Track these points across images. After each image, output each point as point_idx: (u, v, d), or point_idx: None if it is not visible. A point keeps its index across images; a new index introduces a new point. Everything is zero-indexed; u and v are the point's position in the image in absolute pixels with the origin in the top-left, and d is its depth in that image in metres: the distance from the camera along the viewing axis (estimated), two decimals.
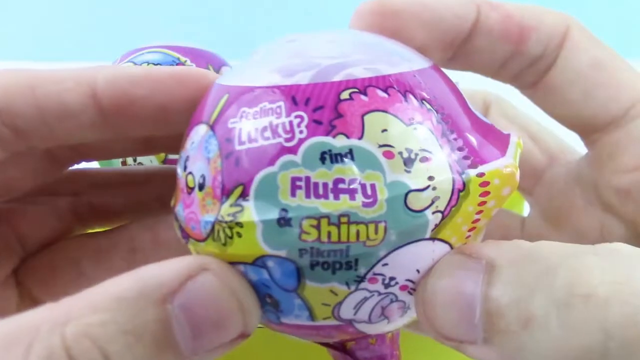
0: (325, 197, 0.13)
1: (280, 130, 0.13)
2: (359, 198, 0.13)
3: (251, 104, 0.14)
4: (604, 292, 0.12)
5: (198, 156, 0.14)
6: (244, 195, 0.13)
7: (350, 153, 0.13)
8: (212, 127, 0.14)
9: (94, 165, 0.26)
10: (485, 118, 0.16)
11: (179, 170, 0.15)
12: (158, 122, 0.17)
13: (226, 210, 0.13)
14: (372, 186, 0.13)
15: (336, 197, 0.13)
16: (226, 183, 0.14)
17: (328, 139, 0.13)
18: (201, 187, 0.14)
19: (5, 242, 0.20)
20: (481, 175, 0.14)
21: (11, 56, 0.64)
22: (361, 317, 0.14)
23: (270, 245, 0.13)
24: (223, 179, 0.14)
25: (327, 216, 0.13)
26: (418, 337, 0.20)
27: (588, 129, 0.18)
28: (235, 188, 0.13)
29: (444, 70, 0.16)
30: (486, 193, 0.14)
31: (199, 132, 0.15)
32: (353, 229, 0.13)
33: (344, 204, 0.13)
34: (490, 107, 0.22)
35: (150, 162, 0.30)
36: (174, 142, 0.17)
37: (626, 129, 0.17)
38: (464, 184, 0.13)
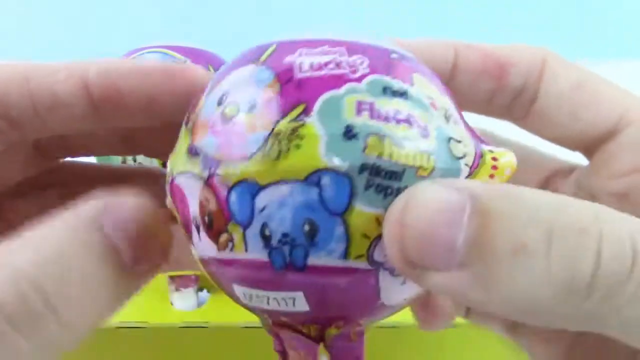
0: (388, 121, 0.14)
1: (344, 64, 0.14)
2: (416, 129, 0.14)
3: (310, 46, 0.15)
4: (599, 228, 0.12)
5: (245, 87, 0.15)
6: (306, 112, 0.14)
7: (406, 93, 0.14)
8: (263, 64, 0.15)
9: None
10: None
11: (206, 113, 0.15)
12: (147, 114, 0.18)
13: (285, 124, 0.14)
14: (425, 125, 0.14)
15: (397, 123, 0.14)
16: (285, 103, 0.14)
17: (388, 78, 0.14)
18: (251, 110, 0.14)
19: None
20: (491, 151, 0.15)
21: (9, 56, 0.64)
22: (388, 264, 0.14)
23: (333, 157, 0.13)
24: (281, 100, 0.14)
25: (390, 136, 0.14)
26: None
27: (582, 145, 0.19)
28: (296, 106, 0.14)
29: None
30: (495, 167, 0.15)
31: (243, 71, 0.15)
32: (411, 152, 0.14)
33: (404, 129, 0.14)
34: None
35: (150, 162, 0.30)
36: (160, 143, 0.18)
37: (618, 139, 0.18)
38: (481, 153, 0.15)
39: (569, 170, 0.21)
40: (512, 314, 0.13)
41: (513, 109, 0.19)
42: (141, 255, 0.15)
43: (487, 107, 0.19)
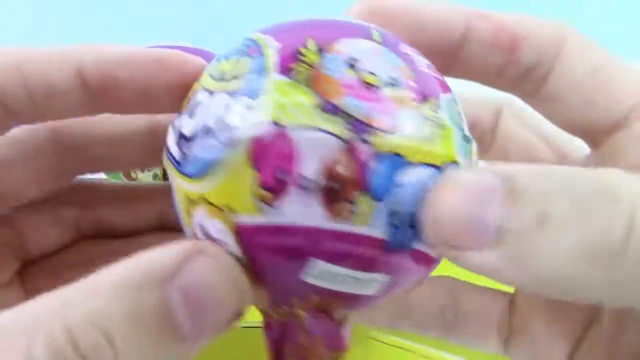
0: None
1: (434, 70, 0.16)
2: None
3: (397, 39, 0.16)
4: (631, 198, 0.12)
5: (379, 62, 0.15)
6: (437, 106, 0.15)
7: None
8: (385, 45, 0.15)
9: (100, 176, 0.26)
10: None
11: (331, 71, 0.14)
12: (142, 103, 0.18)
13: (428, 111, 0.14)
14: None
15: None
16: (420, 91, 0.15)
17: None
18: (395, 86, 0.14)
19: (8, 245, 0.20)
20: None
21: None
22: None
23: (461, 154, 0.15)
24: (417, 87, 0.15)
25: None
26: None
27: (590, 133, 0.18)
28: (428, 98, 0.15)
29: (446, 78, 0.17)
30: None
31: (367, 44, 0.15)
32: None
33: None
34: (502, 110, 0.22)
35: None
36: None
37: (628, 130, 0.17)
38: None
39: (580, 154, 0.20)
40: (545, 290, 0.13)
41: (523, 85, 0.18)
42: (204, 327, 0.14)
43: (497, 80, 0.19)
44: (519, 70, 0.18)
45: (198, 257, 0.14)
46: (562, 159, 0.21)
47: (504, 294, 0.20)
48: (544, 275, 0.13)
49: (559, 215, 0.12)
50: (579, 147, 0.21)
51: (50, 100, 0.17)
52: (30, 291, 0.20)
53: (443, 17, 0.18)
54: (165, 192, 0.22)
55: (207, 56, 0.36)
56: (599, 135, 0.18)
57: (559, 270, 0.12)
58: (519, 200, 0.13)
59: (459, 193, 0.13)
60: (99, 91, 0.17)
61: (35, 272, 0.21)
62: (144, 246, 0.21)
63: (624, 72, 0.17)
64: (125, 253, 0.21)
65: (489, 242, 0.13)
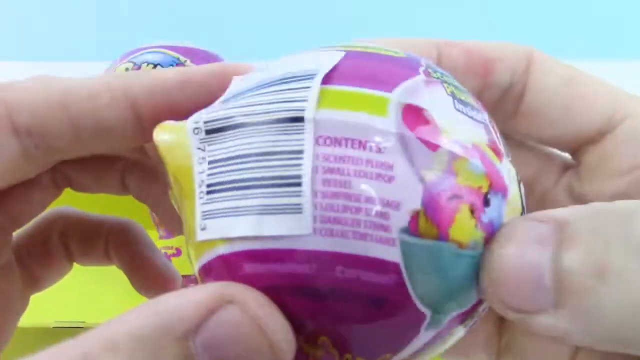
0: None
1: None
2: None
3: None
4: None
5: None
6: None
7: None
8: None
9: None
10: None
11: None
12: None
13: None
14: None
15: None
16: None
17: None
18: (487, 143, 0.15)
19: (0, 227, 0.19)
20: None
21: (10, 56, 0.64)
22: None
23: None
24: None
25: None
26: None
27: (574, 144, 0.18)
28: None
29: None
30: None
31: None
32: None
33: None
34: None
35: None
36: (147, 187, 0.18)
37: (613, 135, 0.17)
38: None
39: (558, 167, 0.19)
40: (616, 347, 0.12)
41: (502, 107, 0.18)
42: None
43: None
44: (494, 93, 0.18)
45: (226, 307, 0.12)
46: (547, 160, 0.20)
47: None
48: (614, 331, 0.11)
49: (618, 265, 0.11)
50: (556, 156, 0.20)
51: (99, 138, 0.16)
52: (25, 267, 0.20)
53: (416, 49, 0.17)
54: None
55: (211, 57, 0.36)
56: (582, 145, 0.18)
57: (626, 325, 0.11)
58: (573, 252, 0.11)
59: (511, 252, 0.12)
60: (151, 121, 0.16)
61: (26, 248, 0.21)
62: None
63: (596, 81, 0.17)
64: (97, 226, 0.21)
65: (550, 303, 0.12)
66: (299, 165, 0.13)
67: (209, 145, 0.14)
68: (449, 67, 0.18)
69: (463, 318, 0.14)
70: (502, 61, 0.18)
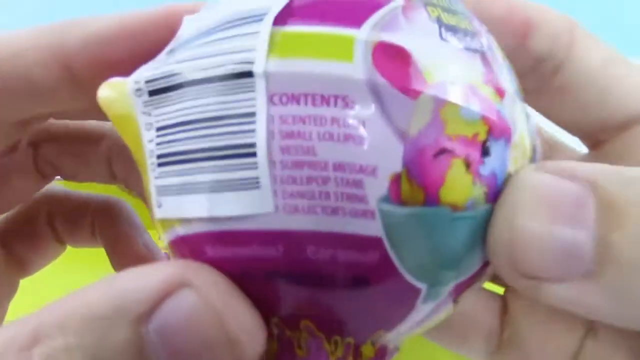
0: None
1: None
2: None
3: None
4: None
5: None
6: None
7: None
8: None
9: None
10: None
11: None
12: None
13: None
14: None
15: None
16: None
17: None
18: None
19: None
20: None
21: None
22: None
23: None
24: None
25: None
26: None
27: (596, 131, 0.17)
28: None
29: None
30: None
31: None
32: None
33: None
34: None
35: None
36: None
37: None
38: None
39: (566, 150, 0.18)
40: None
41: (530, 78, 0.16)
42: None
43: None
44: (529, 60, 0.16)
45: (182, 291, 0.11)
46: (553, 153, 0.19)
47: (497, 297, 0.18)
48: None
49: None
50: (563, 143, 0.19)
51: (33, 99, 0.15)
52: (8, 248, 0.20)
53: None
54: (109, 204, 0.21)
55: None
56: (605, 132, 0.16)
57: None
58: (627, 222, 0.10)
59: (537, 210, 0.11)
60: (88, 78, 0.14)
61: (9, 229, 0.20)
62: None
63: (632, 65, 0.16)
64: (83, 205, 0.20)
65: (581, 272, 0.10)
66: (252, 131, 0.11)
67: (154, 108, 0.12)
68: (485, 17, 0.15)
69: (468, 284, 0.13)
70: (544, 26, 0.16)
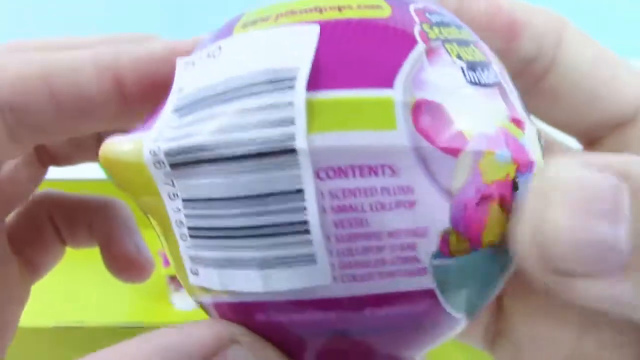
0: None
1: None
2: None
3: None
4: None
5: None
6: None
7: None
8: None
9: None
10: None
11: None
12: None
13: None
14: None
15: None
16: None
17: None
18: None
19: None
20: None
21: None
22: None
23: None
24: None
25: None
26: None
27: (590, 131, 0.16)
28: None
29: None
30: None
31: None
32: None
33: None
34: None
35: None
36: None
37: (636, 124, 0.15)
38: None
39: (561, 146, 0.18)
40: None
41: (519, 81, 0.16)
42: None
43: None
44: (515, 62, 0.15)
45: (232, 347, 0.12)
46: (545, 149, 0.20)
47: None
48: None
49: None
50: (557, 139, 0.19)
51: (82, 113, 0.15)
52: (21, 253, 0.20)
53: None
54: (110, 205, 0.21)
55: None
56: (598, 132, 0.16)
57: None
58: None
59: (570, 203, 0.10)
60: (137, 96, 0.15)
61: (19, 233, 0.20)
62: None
63: (624, 63, 0.16)
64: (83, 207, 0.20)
65: (619, 267, 0.10)
66: (302, 208, 0.11)
67: (177, 179, 0.12)
68: (468, 19, 0.15)
69: (488, 305, 0.13)
70: (530, 27, 0.15)
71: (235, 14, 0.14)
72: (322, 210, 0.11)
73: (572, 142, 0.18)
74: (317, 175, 0.11)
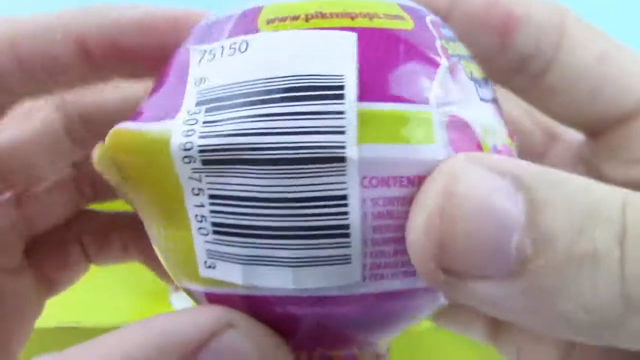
0: None
1: None
2: None
3: None
4: None
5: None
6: None
7: None
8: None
9: None
10: None
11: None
12: (149, 67, 0.16)
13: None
14: None
15: None
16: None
17: None
18: None
19: (14, 227, 0.19)
20: None
21: None
22: None
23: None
24: None
25: None
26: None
27: (592, 126, 0.16)
28: None
29: None
30: None
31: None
32: None
33: None
34: None
35: None
36: None
37: (637, 120, 0.15)
38: None
39: (569, 135, 0.18)
40: (571, 333, 0.11)
41: (516, 77, 0.15)
42: None
43: (485, 68, 0.15)
44: (511, 59, 0.15)
45: (227, 331, 0.12)
46: (552, 140, 0.18)
47: None
48: (577, 318, 0.10)
49: (603, 249, 0.10)
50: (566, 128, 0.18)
51: (49, 76, 0.16)
52: (38, 268, 0.20)
53: None
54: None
55: None
56: (601, 127, 0.16)
57: (596, 313, 0.10)
58: (553, 223, 0.10)
59: (470, 202, 0.10)
60: (101, 60, 0.16)
61: (40, 248, 0.20)
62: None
63: (630, 57, 0.15)
64: (112, 224, 0.20)
65: (507, 270, 0.10)
66: (344, 213, 0.11)
67: (207, 176, 0.12)
68: (463, 13, 0.15)
69: None
70: (527, 21, 0.14)
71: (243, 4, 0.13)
72: (364, 216, 0.11)
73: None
74: (361, 183, 0.11)
